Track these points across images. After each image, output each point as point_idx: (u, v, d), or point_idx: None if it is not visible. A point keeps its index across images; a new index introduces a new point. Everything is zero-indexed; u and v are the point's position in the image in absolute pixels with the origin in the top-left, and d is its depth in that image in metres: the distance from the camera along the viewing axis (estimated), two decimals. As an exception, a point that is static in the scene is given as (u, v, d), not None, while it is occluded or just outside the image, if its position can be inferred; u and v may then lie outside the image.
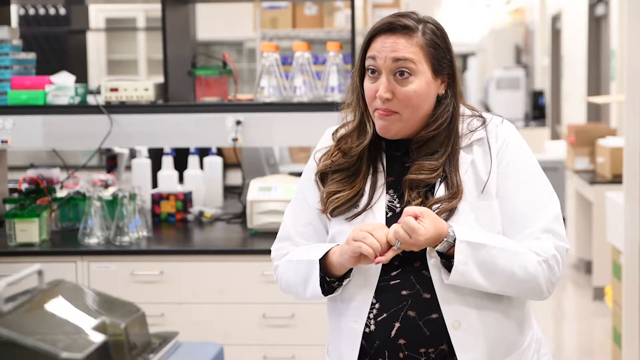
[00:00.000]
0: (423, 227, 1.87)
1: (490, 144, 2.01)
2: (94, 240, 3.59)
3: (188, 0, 4.23)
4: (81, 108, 3.79)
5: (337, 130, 2.10)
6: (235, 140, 3.71)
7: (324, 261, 1.99)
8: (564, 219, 3.26)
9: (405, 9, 5.48)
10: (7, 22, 4.10)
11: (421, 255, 1.95)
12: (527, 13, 14.38)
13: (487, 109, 11.43)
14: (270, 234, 3.25)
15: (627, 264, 3.72)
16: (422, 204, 1.96)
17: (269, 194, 3.70)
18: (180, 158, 4.46)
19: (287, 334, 3.49)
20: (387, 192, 2.03)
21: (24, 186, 3.86)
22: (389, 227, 1.92)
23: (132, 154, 4.53)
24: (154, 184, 4.37)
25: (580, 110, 9.45)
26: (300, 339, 3.48)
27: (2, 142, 3.77)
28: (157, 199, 4.09)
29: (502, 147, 2.01)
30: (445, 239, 1.90)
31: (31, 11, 7.45)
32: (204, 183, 4.35)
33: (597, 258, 6.24)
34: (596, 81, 9.01)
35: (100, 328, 1.61)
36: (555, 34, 11.73)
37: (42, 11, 7.44)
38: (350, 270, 1.99)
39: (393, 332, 1.95)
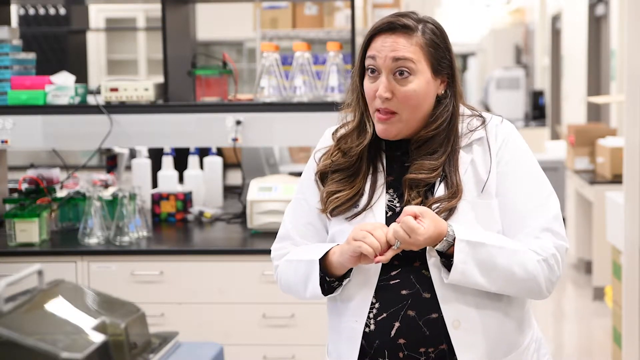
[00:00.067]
0: (422, 226, 1.87)
1: (489, 143, 2.01)
2: (94, 240, 3.59)
3: (188, 0, 4.23)
4: (81, 108, 3.79)
5: (337, 130, 2.11)
6: (235, 140, 3.71)
7: (324, 261, 1.99)
8: (563, 219, 3.26)
9: (405, 9, 5.47)
10: (7, 22, 4.10)
11: (421, 255, 1.95)
12: (527, 13, 14.38)
13: (487, 109, 11.42)
14: (270, 234, 3.25)
15: (627, 264, 3.72)
16: (421, 203, 1.97)
17: (269, 194, 3.70)
18: (180, 158, 4.46)
19: (287, 334, 3.49)
20: (387, 192, 2.03)
21: (24, 186, 3.86)
22: (389, 226, 1.92)
23: (132, 154, 4.52)
24: (154, 184, 4.37)
25: (580, 110, 9.44)
26: (300, 339, 3.48)
27: (2, 142, 3.77)
28: (157, 199, 4.09)
29: (501, 147, 2.01)
30: (444, 238, 1.90)
31: (31, 11, 7.45)
32: (204, 183, 4.35)
33: (597, 258, 6.24)
34: (596, 81, 9.00)
35: (100, 328, 1.60)
36: (555, 34, 11.72)
37: (42, 11, 7.43)
38: (350, 270, 1.99)
39: (393, 332, 1.96)
